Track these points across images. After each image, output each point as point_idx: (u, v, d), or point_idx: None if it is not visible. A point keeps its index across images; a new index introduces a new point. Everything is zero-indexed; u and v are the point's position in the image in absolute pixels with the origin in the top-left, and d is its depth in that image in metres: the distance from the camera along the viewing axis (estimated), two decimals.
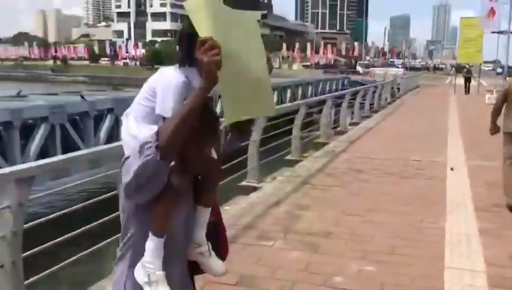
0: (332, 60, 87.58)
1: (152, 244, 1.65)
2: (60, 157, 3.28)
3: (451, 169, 7.66)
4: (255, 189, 6.64)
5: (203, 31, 1.45)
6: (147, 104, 2.02)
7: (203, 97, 1.49)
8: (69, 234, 3.45)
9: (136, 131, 1.90)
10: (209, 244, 1.84)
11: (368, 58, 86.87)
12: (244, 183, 6.83)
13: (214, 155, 1.82)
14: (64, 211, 3.37)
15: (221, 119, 1.80)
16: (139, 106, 2.07)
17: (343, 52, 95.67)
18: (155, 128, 1.60)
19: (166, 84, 1.88)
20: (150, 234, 1.65)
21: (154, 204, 1.62)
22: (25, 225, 3.06)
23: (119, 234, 1.77)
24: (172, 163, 1.62)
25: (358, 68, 68.46)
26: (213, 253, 1.86)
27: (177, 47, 2.06)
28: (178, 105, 1.77)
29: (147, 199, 1.59)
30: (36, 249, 3.26)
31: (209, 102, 1.65)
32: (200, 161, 1.67)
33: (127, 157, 1.62)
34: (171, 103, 1.82)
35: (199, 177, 1.79)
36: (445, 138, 11.08)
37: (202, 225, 1.82)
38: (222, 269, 1.87)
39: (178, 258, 1.77)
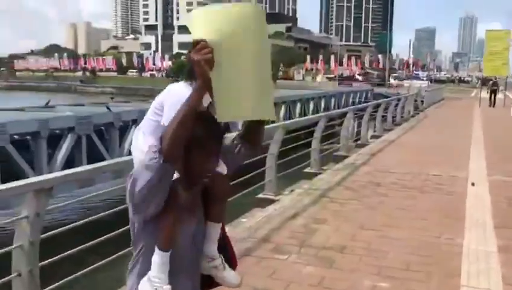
0: (362, 72, 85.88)
1: (158, 259, 1.68)
2: (77, 169, 3.38)
3: (473, 184, 7.54)
4: (272, 202, 6.66)
5: (196, 34, 1.55)
6: (155, 119, 2.08)
7: (199, 95, 1.56)
8: (86, 244, 3.54)
9: (143, 145, 1.95)
10: (222, 257, 1.88)
11: (398, 70, 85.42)
12: (261, 195, 6.87)
13: (223, 170, 1.84)
14: (81, 222, 3.45)
15: (230, 135, 1.83)
16: (148, 120, 2.12)
17: (367, 65, 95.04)
18: (155, 142, 1.63)
19: (173, 98, 1.92)
20: (156, 248, 1.68)
21: (162, 218, 1.65)
22: (42, 235, 3.16)
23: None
24: (178, 176, 1.67)
25: (392, 80, 67.16)
26: (227, 265, 1.89)
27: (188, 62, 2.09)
28: None
29: (152, 212, 1.63)
30: (53, 258, 3.34)
31: (211, 112, 1.69)
32: (205, 173, 1.69)
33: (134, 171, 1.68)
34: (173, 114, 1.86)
35: (208, 193, 1.81)
36: (468, 152, 10.91)
37: (214, 239, 1.84)
38: (238, 281, 1.91)
39: (186, 272, 1.78)
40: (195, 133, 1.59)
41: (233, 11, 1.65)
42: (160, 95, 2.10)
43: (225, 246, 1.98)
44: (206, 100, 1.70)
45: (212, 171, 1.72)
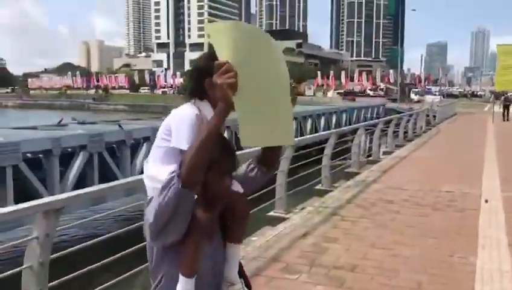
0: (373, 87, 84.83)
1: (182, 286, 1.64)
2: (86, 190, 3.39)
3: (486, 201, 7.44)
4: (283, 220, 6.63)
5: (222, 55, 1.49)
6: (164, 144, 1.99)
7: (221, 120, 1.51)
8: (96, 264, 3.54)
9: (154, 172, 1.89)
10: (242, 281, 1.84)
11: (420, 85, 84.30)
12: (272, 213, 6.84)
13: (240, 189, 1.80)
14: (89, 243, 3.46)
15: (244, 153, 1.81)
16: (157, 149, 2.04)
17: (378, 80, 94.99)
18: (174, 167, 1.59)
19: (179, 119, 1.88)
20: (180, 275, 1.64)
21: (183, 244, 1.61)
22: (52, 256, 3.17)
23: (146, 264, 1.77)
24: (196, 197, 1.63)
25: (413, 96, 65.59)
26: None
27: (189, 81, 2.03)
28: (192, 136, 1.77)
29: (173, 239, 1.59)
30: (63, 278, 3.35)
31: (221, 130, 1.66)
32: (223, 193, 1.66)
33: (150, 199, 1.65)
34: (186, 135, 1.81)
35: (227, 214, 1.77)
36: (481, 168, 10.79)
37: (235, 262, 1.80)
38: None
39: None
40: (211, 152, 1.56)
41: (258, 33, 1.62)
42: (165, 120, 2.05)
43: (240, 269, 1.93)
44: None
45: (229, 191, 1.69)
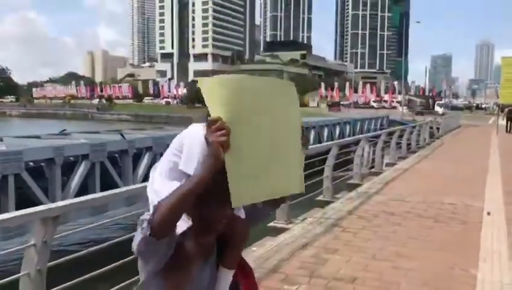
0: (406, 99, 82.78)
1: None
2: (85, 197, 3.39)
3: (488, 214, 7.40)
4: (284, 230, 6.60)
5: (213, 111, 1.46)
6: (173, 160, 1.93)
7: (207, 176, 1.46)
8: (92, 273, 3.53)
9: (159, 186, 1.86)
10: None
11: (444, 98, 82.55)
12: (273, 224, 6.82)
13: (242, 215, 1.78)
14: (83, 252, 3.45)
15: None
16: (166, 161, 1.98)
17: (383, 92, 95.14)
18: (177, 184, 1.54)
19: (193, 141, 1.81)
20: None
21: (172, 272, 1.58)
22: (49, 263, 3.16)
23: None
24: (190, 224, 1.60)
25: (437, 108, 62.85)
26: None
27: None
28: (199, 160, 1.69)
29: (152, 269, 1.58)
30: (61, 286, 3.34)
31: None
32: (222, 219, 1.62)
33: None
34: (196, 159, 1.74)
35: (224, 238, 1.74)
36: (484, 180, 10.74)
37: (224, 286, 1.77)
38: None
39: None
40: (212, 178, 1.49)
41: (259, 84, 1.58)
42: (180, 134, 2.00)
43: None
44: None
45: (229, 217, 1.65)
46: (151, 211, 1.48)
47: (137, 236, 1.49)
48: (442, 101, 74.37)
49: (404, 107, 58.05)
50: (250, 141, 1.49)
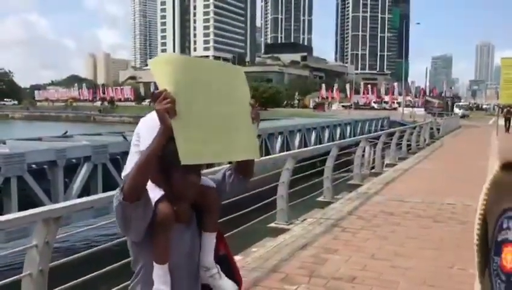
0: (424, 101, 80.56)
1: (157, 272, 1.80)
2: (85, 199, 3.45)
3: None
4: (284, 231, 6.65)
5: (161, 84, 1.68)
6: (136, 150, 2.16)
7: (160, 141, 1.66)
8: (94, 273, 3.57)
9: (127, 170, 2.06)
10: (218, 266, 1.97)
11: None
12: (273, 224, 6.87)
13: (211, 184, 1.98)
14: (89, 251, 3.50)
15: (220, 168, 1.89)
16: (131, 154, 2.22)
17: (383, 93, 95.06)
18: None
19: (146, 124, 2.06)
20: (154, 263, 1.80)
21: (155, 237, 1.77)
22: (51, 264, 3.21)
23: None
24: (163, 193, 1.79)
25: (456, 110, 61.02)
26: (223, 275, 1.98)
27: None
28: None
29: (134, 238, 1.77)
30: (63, 286, 3.38)
31: None
32: (190, 187, 1.79)
33: None
34: (151, 137, 1.98)
35: (201, 205, 1.93)
36: (484, 181, 10.74)
37: (209, 249, 1.95)
38: (234, 289, 2.00)
39: (187, 283, 1.89)
40: (176, 149, 1.68)
41: (202, 63, 1.83)
42: (136, 128, 2.23)
43: (228, 264, 2.06)
44: None
45: (196, 184, 1.82)
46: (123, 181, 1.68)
47: (114, 204, 1.67)
48: (461, 102, 72.29)
49: (418, 109, 57.15)
50: (197, 109, 1.71)
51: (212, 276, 1.95)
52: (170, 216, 1.79)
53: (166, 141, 1.66)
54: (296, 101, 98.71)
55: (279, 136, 25.98)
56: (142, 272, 1.83)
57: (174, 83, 1.67)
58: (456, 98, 79.68)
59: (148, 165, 1.66)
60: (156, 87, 1.82)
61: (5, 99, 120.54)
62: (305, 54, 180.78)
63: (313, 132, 29.71)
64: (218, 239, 2.05)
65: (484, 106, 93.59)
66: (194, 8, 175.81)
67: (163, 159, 1.71)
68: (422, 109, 56.91)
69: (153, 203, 1.75)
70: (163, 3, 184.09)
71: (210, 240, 1.96)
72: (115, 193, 1.69)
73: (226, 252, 2.11)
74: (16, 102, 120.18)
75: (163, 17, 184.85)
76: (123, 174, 2.16)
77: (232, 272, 2.05)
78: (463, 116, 53.44)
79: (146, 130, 1.98)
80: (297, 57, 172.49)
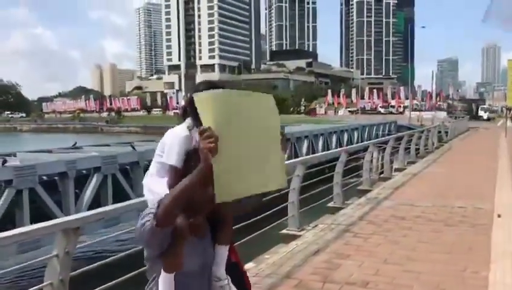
0: (445, 105, 76.96)
1: (163, 279, 1.87)
2: (104, 209, 3.51)
3: (499, 216, 7.43)
4: (296, 237, 6.68)
5: (205, 121, 1.72)
6: (159, 160, 2.29)
7: (200, 178, 1.70)
8: (114, 281, 3.64)
9: (152, 185, 2.15)
10: (229, 278, 2.06)
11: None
12: (285, 231, 6.90)
13: None
14: (109, 259, 3.56)
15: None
16: (154, 163, 2.37)
17: (389, 97, 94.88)
18: (166, 180, 1.87)
19: (172, 138, 2.19)
20: (162, 271, 1.87)
21: (169, 248, 1.83)
22: (72, 273, 3.27)
23: None
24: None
25: (482, 113, 60.42)
26: (232, 286, 2.07)
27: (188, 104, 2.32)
28: (180, 155, 2.02)
29: (160, 250, 1.82)
30: None
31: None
32: (207, 200, 1.84)
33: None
34: (174, 153, 2.09)
35: (215, 218, 2.00)
36: (494, 182, 10.75)
37: (221, 261, 2.05)
38: None
39: None
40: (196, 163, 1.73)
41: (241, 98, 1.85)
42: (162, 138, 2.32)
43: (238, 272, 2.18)
44: None
45: (211, 198, 1.85)
46: (156, 205, 1.72)
47: (140, 227, 1.72)
48: (486, 105, 70.02)
49: (426, 113, 56.53)
50: (236, 146, 1.75)
51: (222, 287, 2.04)
52: (186, 228, 1.85)
53: (205, 179, 1.70)
54: (303, 108, 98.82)
55: (287, 143, 26.04)
56: (156, 280, 1.90)
57: (217, 121, 1.71)
58: (480, 100, 78.18)
59: (184, 197, 1.71)
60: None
61: (8, 112, 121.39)
62: (310, 60, 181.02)
63: (320, 138, 29.72)
64: (229, 248, 2.13)
65: (492, 108, 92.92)
66: (199, 16, 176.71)
67: (186, 172, 1.77)
68: (430, 113, 56.61)
69: None
70: (167, 13, 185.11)
71: (223, 252, 2.04)
72: (142, 216, 1.73)
73: (236, 260, 2.19)
74: (23, 114, 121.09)
75: (168, 26, 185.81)
76: (144, 181, 2.23)
77: (242, 281, 2.13)
78: (488, 119, 52.22)
79: (171, 144, 2.06)
80: (302, 63, 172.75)
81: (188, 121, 2.29)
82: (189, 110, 2.21)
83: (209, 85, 2.21)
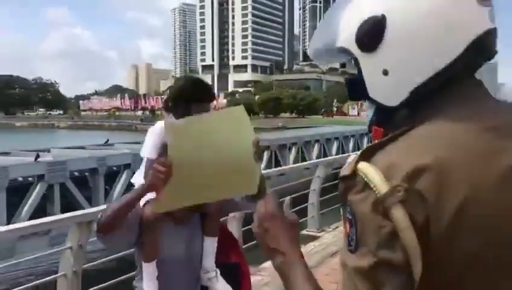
0: None
1: (146, 269, 1.96)
2: None
3: None
4: (315, 238, 6.67)
5: (170, 150, 1.69)
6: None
7: (138, 197, 1.75)
8: (125, 276, 3.72)
9: (136, 179, 2.20)
10: (217, 270, 2.09)
11: None
12: (304, 232, 6.90)
13: None
14: (121, 254, 3.65)
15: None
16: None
17: None
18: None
19: (149, 132, 2.21)
20: (142, 261, 1.96)
21: (146, 241, 1.93)
22: (85, 265, 3.38)
23: None
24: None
25: None
26: (221, 278, 2.10)
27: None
28: (156, 146, 2.04)
29: (130, 241, 1.93)
30: (96, 287, 3.54)
31: None
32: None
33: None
34: (149, 144, 2.11)
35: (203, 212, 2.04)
36: None
37: (209, 253, 2.07)
38: None
39: (188, 284, 2.04)
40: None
41: (209, 122, 1.81)
42: None
43: (237, 273, 2.19)
44: None
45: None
46: (99, 215, 1.81)
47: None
48: None
49: None
50: (194, 167, 1.70)
51: (210, 279, 2.07)
52: (156, 218, 1.89)
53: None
54: (335, 109, 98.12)
55: (316, 144, 25.83)
56: (140, 269, 2.00)
57: (179, 150, 1.68)
58: None
59: (123, 213, 1.73)
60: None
61: (42, 109, 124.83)
62: (344, 60, 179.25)
63: (351, 139, 29.39)
64: (231, 248, 2.17)
65: None
66: (233, 17, 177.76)
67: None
68: None
69: (142, 204, 1.88)
70: (202, 14, 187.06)
71: (210, 244, 2.07)
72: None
73: (239, 261, 2.20)
74: (61, 112, 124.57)
75: (203, 27, 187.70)
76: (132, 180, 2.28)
77: (240, 281, 2.15)
78: None
79: (146, 137, 2.13)
80: (335, 64, 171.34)
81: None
82: (173, 102, 2.19)
83: (190, 82, 2.19)
